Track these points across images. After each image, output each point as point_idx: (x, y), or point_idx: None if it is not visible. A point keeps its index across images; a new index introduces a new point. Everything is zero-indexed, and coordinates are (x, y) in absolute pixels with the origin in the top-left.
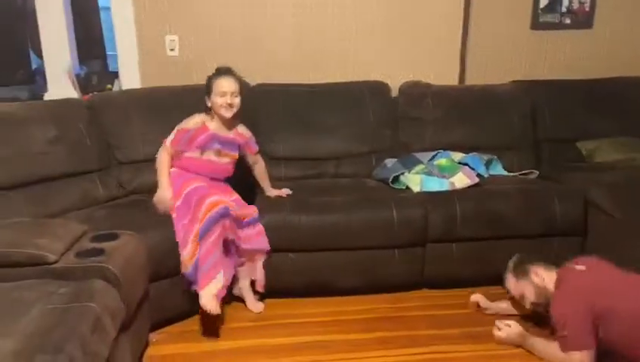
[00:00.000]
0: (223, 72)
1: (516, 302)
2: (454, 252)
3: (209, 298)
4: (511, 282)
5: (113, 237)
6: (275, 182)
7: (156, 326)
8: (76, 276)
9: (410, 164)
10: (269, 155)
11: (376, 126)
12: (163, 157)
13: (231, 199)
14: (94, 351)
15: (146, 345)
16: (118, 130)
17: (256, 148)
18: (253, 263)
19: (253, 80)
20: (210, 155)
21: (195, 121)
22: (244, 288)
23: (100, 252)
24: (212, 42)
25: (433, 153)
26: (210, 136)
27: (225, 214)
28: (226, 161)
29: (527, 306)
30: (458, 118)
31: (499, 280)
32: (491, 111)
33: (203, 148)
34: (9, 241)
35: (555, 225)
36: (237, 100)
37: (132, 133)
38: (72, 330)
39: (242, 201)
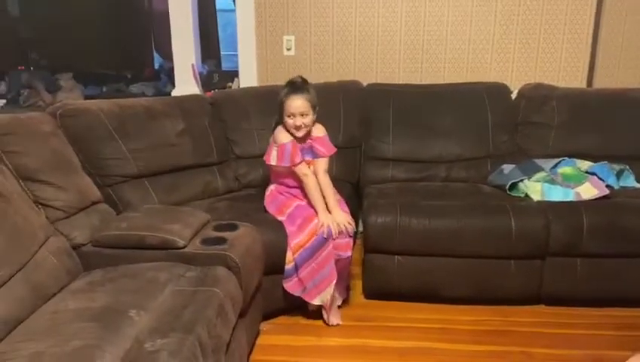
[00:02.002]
0: (293, 89)
1: None
2: (578, 268)
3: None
4: None
5: (234, 227)
6: (384, 183)
7: (266, 317)
8: (201, 262)
9: (530, 171)
10: (377, 156)
11: (493, 129)
12: (312, 184)
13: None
14: (218, 334)
15: (258, 333)
16: (236, 126)
17: (333, 148)
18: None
19: (365, 80)
20: None
21: (283, 135)
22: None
23: (223, 241)
24: (327, 42)
25: (556, 160)
26: (299, 147)
27: (329, 236)
28: (312, 170)
29: None
30: (586, 124)
31: (627, 302)
32: (624, 117)
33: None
34: (145, 225)
35: None
36: (307, 120)
37: (249, 129)
38: (200, 313)
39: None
